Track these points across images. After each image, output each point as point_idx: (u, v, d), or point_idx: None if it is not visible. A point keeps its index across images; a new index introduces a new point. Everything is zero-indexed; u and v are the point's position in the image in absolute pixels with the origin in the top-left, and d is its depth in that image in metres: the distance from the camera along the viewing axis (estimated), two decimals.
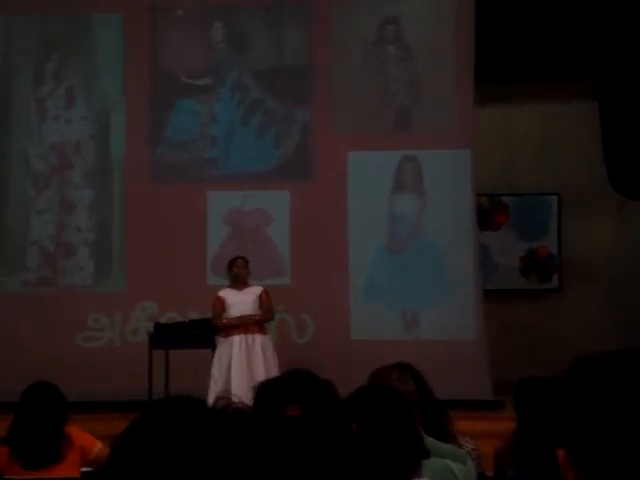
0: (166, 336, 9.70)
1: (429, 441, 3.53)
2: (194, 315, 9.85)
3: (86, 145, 11.09)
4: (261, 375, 8.75)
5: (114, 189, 11.04)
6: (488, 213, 12.74)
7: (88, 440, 4.93)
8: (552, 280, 13.08)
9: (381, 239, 10.77)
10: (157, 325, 9.91)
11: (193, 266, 10.74)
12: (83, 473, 4.76)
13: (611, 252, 12.85)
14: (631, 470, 1.19)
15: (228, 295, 9.17)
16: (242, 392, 8.16)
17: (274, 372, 8.80)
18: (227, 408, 1.13)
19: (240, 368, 8.89)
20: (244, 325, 9.03)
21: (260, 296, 9.18)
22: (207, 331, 9.25)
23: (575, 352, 1.37)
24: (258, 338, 9.06)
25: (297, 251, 10.76)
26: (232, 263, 9.32)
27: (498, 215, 12.97)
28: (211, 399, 1.19)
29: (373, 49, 11.01)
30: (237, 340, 8.99)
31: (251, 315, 9.07)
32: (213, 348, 9.24)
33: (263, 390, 2.47)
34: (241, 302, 9.10)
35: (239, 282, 9.22)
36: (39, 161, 11.11)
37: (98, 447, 4.89)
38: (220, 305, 9.13)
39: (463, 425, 5.00)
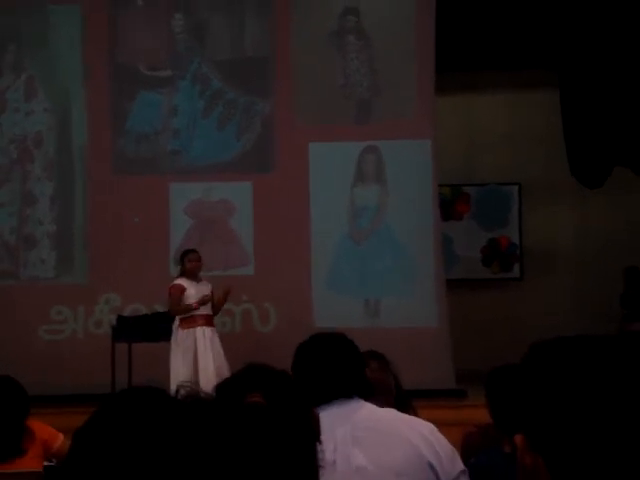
0: (128, 329, 9.67)
1: None
2: (158, 306, 9.83)
3: (47, 137, 11.01)
4: (225, 365, 8.82)
5: (76, 181, 10.98)
6: (450, 203, 12.79)
7: (50, 433, 4.89)
8: (513, 269, 13.17)
9: (343, 229, 10.79)
10: (120, 318, 9.90)
11: (156, 258, 10.70)
12: (45, 467, 4.72)
13: (572, 241, 12.95)
14: (588, 451, 1.20)
15: (188, 286, 9.17)
16: (209, 382, 8.21)
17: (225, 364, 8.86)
18: (188, 397, 1.12)
19: (206, 359, 8.91)
20: (204, 318, 9.08)
21: (212, 292, 9.23)
22: (169, 324, 9.23)
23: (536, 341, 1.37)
24: (209, 330, 9.10)
25: (260, 241, 10.76)
26: (185, 256, 9.31)
27: (460, 205, 13.04)
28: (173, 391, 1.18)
29: (334, 40, 11.01)
30: (200, 331, 9.01)
31: (207, 295, 9.11)
32: None
33: (222, 386, 2.48)
34: (200, 293, 9.12)
35: (194, 275, 9.23)
36: None
37: (60, 440, 4.85)
38: (181, 293, 9.12)
39: (426, 414, 5.01)
